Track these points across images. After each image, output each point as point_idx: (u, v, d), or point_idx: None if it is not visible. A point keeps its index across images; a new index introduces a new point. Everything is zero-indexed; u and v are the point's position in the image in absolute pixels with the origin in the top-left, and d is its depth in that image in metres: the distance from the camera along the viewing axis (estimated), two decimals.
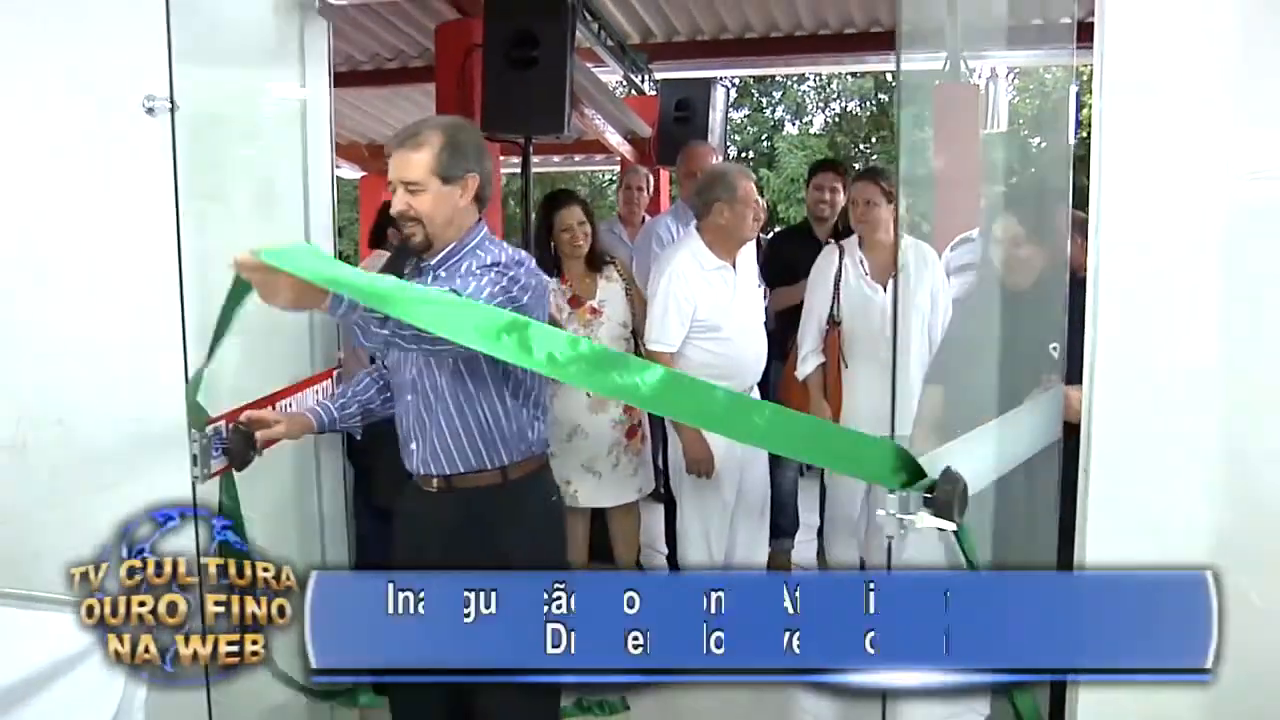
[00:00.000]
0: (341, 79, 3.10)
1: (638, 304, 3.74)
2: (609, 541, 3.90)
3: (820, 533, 4.26)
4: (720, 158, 4.49)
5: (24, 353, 2.30)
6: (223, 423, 2.25)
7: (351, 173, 9.51)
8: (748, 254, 3.59)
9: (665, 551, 4.19)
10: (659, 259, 3.75)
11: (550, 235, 3.68)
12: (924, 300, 3.52)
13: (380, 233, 4.71)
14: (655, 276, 3.53)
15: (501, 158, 6.74)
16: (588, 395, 3.62)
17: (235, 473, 2.21)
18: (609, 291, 3.70)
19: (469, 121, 2.47)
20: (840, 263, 3.63)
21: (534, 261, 2.26)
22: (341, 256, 3.24)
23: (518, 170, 5.80)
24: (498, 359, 1.73)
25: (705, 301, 3.41)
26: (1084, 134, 2.36)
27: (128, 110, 2.32)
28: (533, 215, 5.18)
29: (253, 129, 2.74)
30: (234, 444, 2.20)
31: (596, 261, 3.72)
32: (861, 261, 3.59)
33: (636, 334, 3.71)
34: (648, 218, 5.03)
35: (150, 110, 2.51)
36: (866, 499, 3.71)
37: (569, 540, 3.78)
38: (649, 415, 3.88)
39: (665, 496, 4.23)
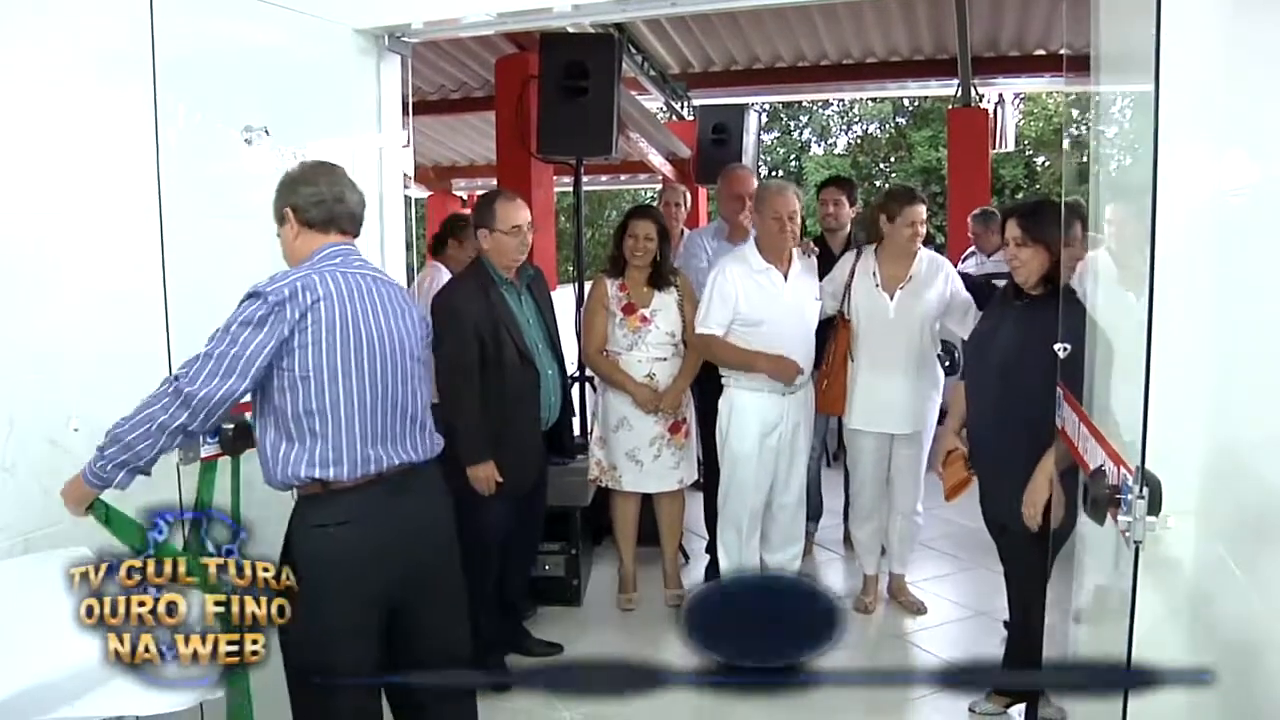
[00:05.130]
0: (411, 108, 3.15)
1: (688, 313, 3.71)
2: (655, 524, 3.90)
3: (845, 517, 4.24)
4: (755, 178, 4.46)
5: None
6: None
7: (419, 193, 9.62)
8: (806, 268, 3.62)
9: (706, 537, 4.18)
10: (717, 262, 3.81)
11: (622, 238, 3.72)
12: (929, 306, 3.53)
13: (440, 243, 4.81)
14: (710, 275, 3.65)
15: (555, 177, 6.79)
16: (631, 395, 3.64)
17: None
18: (663, 303, 3.69)
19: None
20: (854, 266, 3.63)
21: (291, 286, 1.93)
22: (409, 268, 3.26)
23: (570, 189, 5.84)
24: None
25: (748, 296, 3.48)
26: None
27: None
28: (584, 229, 5.23)
29: (336, 154, 2.78)
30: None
31: (658, 279, 3.72)
32: (874, 272, 3.58)
33: (685, 344, 3.71)
34: (685, 230, 5.03)
35: (248, 141, 2.58)
36: (886, 489, 3.70)
37: (620, 520, 3.83)
38: (695, 412, 3.89)
39: (705, 486, 4.23)
